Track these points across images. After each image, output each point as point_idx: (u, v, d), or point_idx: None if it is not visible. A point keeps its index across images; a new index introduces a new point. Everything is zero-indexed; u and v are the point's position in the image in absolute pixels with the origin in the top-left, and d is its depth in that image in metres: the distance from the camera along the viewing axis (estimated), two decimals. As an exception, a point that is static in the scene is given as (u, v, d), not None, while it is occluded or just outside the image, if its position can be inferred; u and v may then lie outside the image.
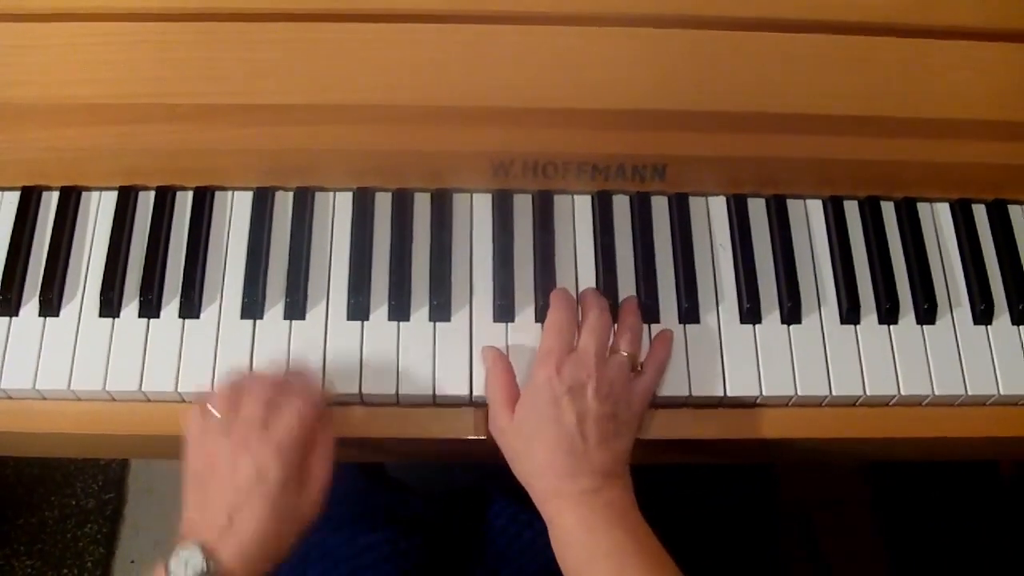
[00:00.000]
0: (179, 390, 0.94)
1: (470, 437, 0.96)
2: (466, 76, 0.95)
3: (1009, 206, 1.06)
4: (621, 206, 1.03)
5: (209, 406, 0.87)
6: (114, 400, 0.95)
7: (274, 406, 0.85)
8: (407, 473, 1.29)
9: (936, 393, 0.97)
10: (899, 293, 1.01)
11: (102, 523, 1.83)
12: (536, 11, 0.96)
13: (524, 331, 0.97)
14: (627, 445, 0.89)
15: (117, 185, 1.02)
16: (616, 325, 0.95)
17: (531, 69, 0.95)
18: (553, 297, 0.95)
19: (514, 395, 0.91)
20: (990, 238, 1.05)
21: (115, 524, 1.85)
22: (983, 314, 1.00)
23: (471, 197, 1.03)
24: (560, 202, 1.03)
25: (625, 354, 0.92)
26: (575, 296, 0.97)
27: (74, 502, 1.84)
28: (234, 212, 1.02)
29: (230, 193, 1.03)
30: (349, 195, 1.03)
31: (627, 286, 1.00)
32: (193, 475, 0.86)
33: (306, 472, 0.88)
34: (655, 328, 0.98)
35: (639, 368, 0.93)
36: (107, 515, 1.84)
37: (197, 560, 0.80)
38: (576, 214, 1.03)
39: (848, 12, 0.96)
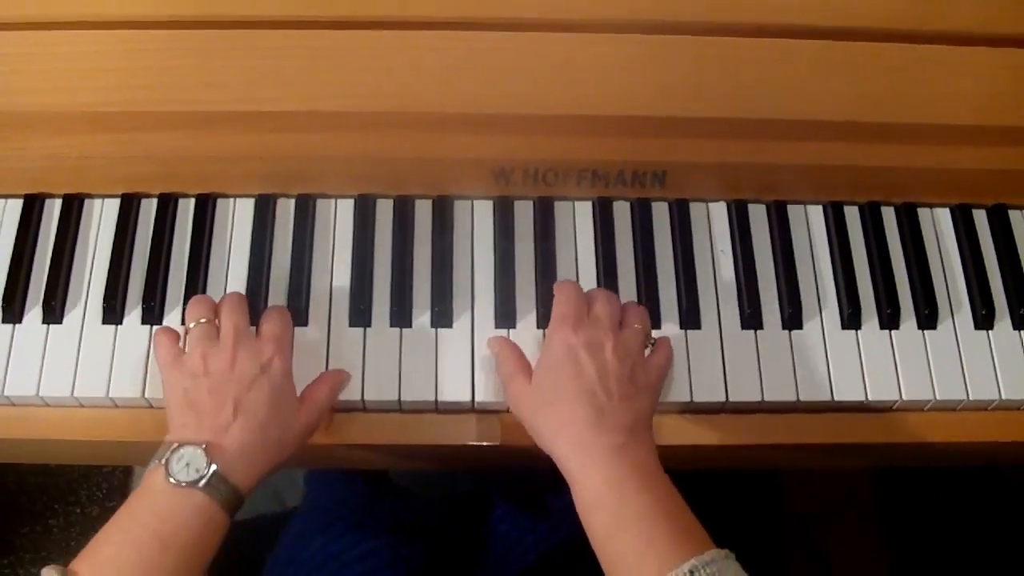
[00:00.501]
0: (182, 397, 0.94)
1: (472, 443, 0.96)
2: (466, 83, 0.95)
3: (1009, 211, 1.07)
4: (622, 212, 1.04)
5: (188, 322, 0.90)
6: (117, 407, 0.95)
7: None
8: (409, 478, 1.29)
9: (938, 398, 0.97)
10: (900, 298, 1.01)
11: (106, 530, 1.83)
12: (535, 18, 0.96)
13: (525, 337, 0.97)
14: (649, 406, 0.87)
15: (120, 192, 1.03)
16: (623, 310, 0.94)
17: (531, 76, 0.95)
18: (559, 281, 0.94)
19: (526, 365, 0.91)
20: (991, 243, 1.05)
21: (119, 531, 1.84)
22: (984, 319, 1.01)
23: (472, 204, 1.03)
24: (561, 208, 1.03)
25: (637, 326, 0.90)
26: None
27: (78, 510, 1.85)
28: (236, 219, 1.02)
29: (232, 200, 1.03)
30: (351, 202, 1.03)
31: (628, 292, 1.00)
32: (181, 388, 0.85)
33: (308, 393, 0.90)
34: (655, 334, 0.97)
35: (651, 343, 0.92)
36: (111, 522, 1.84)
37: (200, 460, 0.80)
38: (577, 220, 1.03)
39: (846, 18, 0.96)
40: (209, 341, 0.87)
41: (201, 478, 0.80)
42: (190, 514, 0.79)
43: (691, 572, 0.74)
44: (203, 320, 0.89)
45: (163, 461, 0.80)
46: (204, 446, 0.81)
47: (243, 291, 0.98)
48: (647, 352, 0.91)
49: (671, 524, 0.79)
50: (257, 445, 0.83)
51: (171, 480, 0.79)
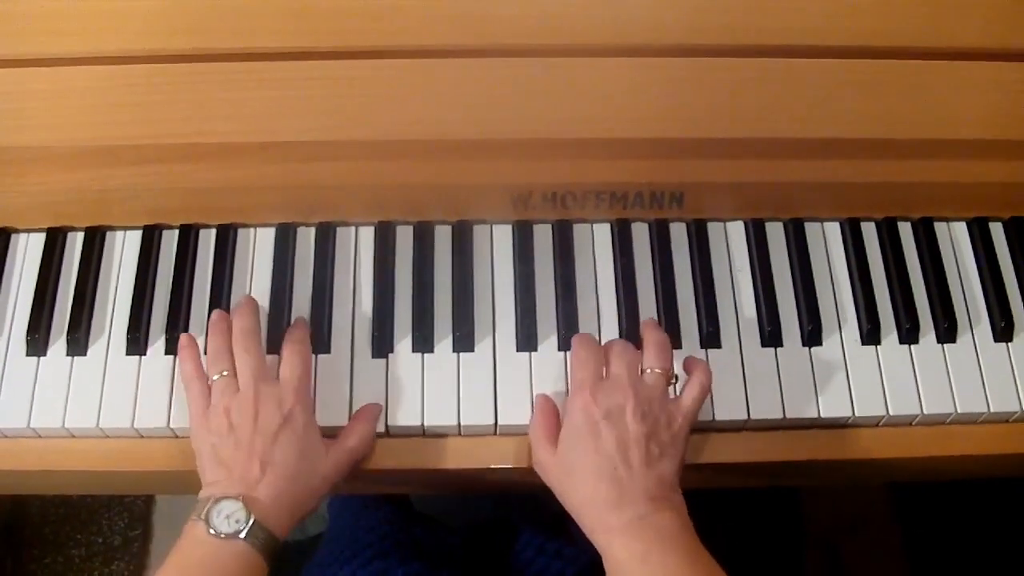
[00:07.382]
0: (207, 426, 0.94)
1: (495, 466, 0.96)
2: (485, 110, 0.96)
3: (1027, 223, 1.07)
4: (640, 233, 1.04)
5: (210, 374, 0.91)
6: (142, 437, 0.96)
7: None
8: (432, 507, 1.29)
9: (959, 411, 0.97)
10: (919, 313, 1.01)
11: (129, 560, 1.83)
12: (551, 44, 0.97)
13: (547, 360, 0.98)
14: (673, 466, 0.87)
15: (141, 224, 1.04)
16: (643, 347, 0.94)
17: (549, 101, 0.96)
18: (574, 338, 0.94)
19: (555, 430, 0.91)
20: (1008, 255, 1.05)
21: (142, 560, 1.85)
22: (1003, 331, 1.01)
23: (491, 228, 1.04)
24: (579, 231, 1.04)
25: (658, 371, 0.90)
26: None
27: (100, 539, 1.85)
28: (257, 249, 1.03)
29: (252, 230, 1.04)
30: (371, 229, 1.04)
31: (648, 312, 1.00)
32: (209, 445, 0.88)
33: (339, 439, 0.92)
34: (677, 354, 0.98)
35: (675, 381, 0.92)
36: (134, 552, 1.84)
37: (240, 511, 0.82)
38: (596, 242, 1.04)
39: (861, 37, 0.97)
40: (231, 394, 0.89)
41: (242, 529, 0.82)
42: (234, 563, 0.82)
43: None
44: (225, 372, 0.91)
45: (203, 516, 0.82)
46: (240, 498, 0.83)
47: (264, 319, 0.99)
48: (676, 385, 0.92)
49: None
50: (286, 495, 0.85)
51: (212, 532, 0.82)
